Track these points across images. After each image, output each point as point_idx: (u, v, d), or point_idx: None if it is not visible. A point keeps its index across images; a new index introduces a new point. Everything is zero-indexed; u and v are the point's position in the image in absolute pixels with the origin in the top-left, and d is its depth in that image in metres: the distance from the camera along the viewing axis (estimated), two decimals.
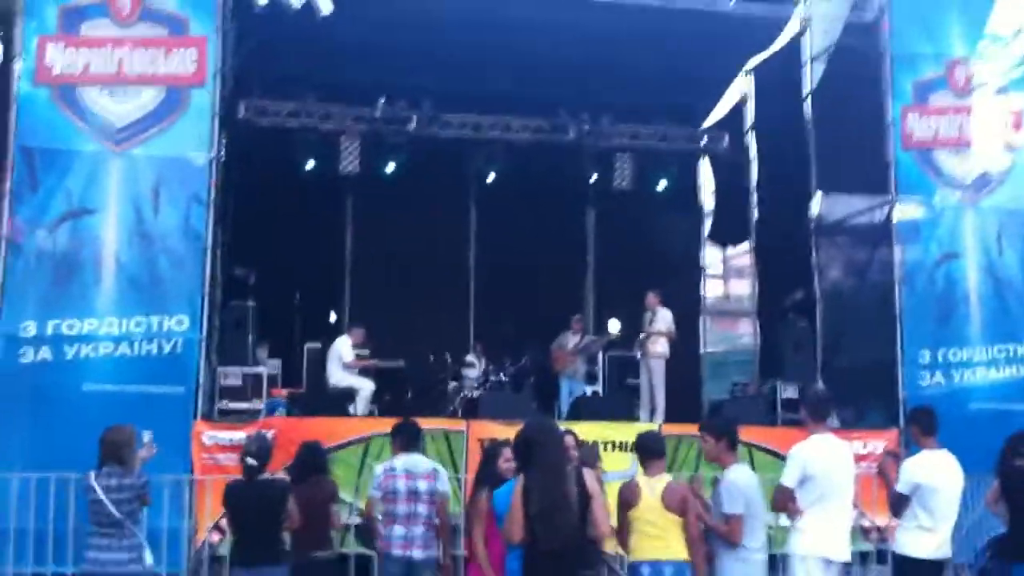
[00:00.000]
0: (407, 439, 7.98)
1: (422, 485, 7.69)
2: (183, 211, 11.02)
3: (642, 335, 13.81)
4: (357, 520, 9.57)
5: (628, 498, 6.73)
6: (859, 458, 10.16)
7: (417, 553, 7.61)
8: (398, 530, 7.63)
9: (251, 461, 7.44)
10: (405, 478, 7.69)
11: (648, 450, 6.94)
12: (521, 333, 15.44)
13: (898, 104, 12.88)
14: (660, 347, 13.63)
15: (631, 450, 10.99)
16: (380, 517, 7.75)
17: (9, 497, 9.69)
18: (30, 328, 10.49)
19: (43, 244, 10.73)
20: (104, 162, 11.01)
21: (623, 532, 6.78)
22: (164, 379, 10.56)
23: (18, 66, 11.16)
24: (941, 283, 12.63)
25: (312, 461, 8.13)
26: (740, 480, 6.86)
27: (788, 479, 7.02)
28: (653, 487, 6.69)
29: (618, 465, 10.09)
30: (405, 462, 7.79)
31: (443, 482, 7.87)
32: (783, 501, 7.04)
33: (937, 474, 7.43)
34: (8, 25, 11.55)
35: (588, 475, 6.21)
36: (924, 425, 7.72)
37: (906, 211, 12.82)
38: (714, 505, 6.91)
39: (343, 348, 13.22)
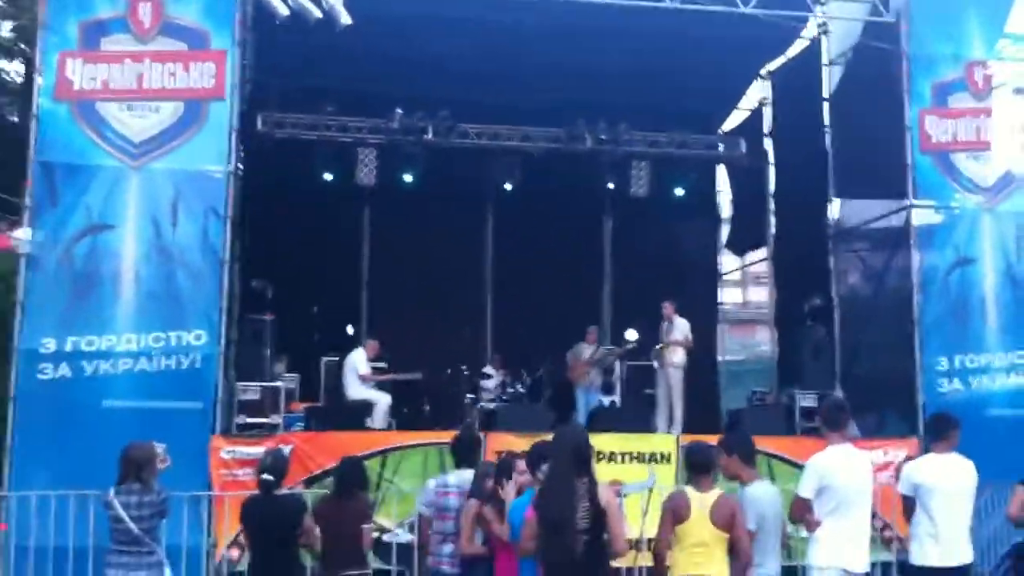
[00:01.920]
0: (462, 453, 7.85)
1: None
2: (201, 225, 11.07)
3: (659, 345, 13.77)
4: (376, 535, 9.54)
5: (677, 512, 6.60)
6: (879, 467, 10.12)
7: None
8: (448, 548, 7.46)
9: (267, 476, 7.39)
10: (458, 495, 7.52)
11: (697, 465, 6.84)
12: (538, 344, 15.40)
13: (916, 107, 12.82)
14: (678, 357, 13.57)
15: (648, 461, 11.07)
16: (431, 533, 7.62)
17: (29, 515, 9.72)
18: (50, 345, 10.55)
19: (62, 260, 10.78)
20: (123, 177, 11.07)
21: (663, 543, 6.65)
22: (183, 394, 10.60)
23: (39, 82, 11.24)
24: (958, 288, 12.56)
25: (352, 476, 7.99)
26: (754, 497, 6.82)
27: (805, 490, 6.98)
28: (704, 502, 6.59)
29: (636, 476, 10.05)
30: (459, 477, 7.62)
31: None
32: (800, 512, 7.00)
33: (938, 475, 7.35)
34: (29, 42, 11.63)
35: (602, 489, 6.16)
36: (934, 430, 7.69)
37: (924, 215, 12.74)
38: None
39: (358, 361, 13.23)
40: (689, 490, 6.60)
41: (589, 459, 6.30)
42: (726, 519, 6.47)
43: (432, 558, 7.63)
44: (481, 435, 10.02)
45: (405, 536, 10.03)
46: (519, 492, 7.00)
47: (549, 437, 6.57)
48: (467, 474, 7.63)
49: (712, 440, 10.92)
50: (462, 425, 8.51)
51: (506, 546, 6.88)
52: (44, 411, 10.38)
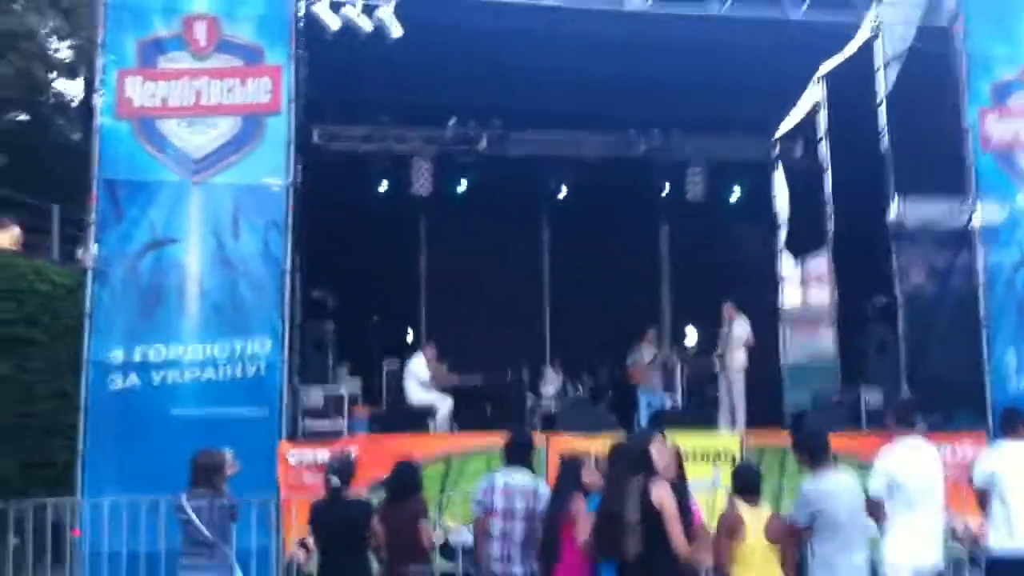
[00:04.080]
0: (511, 452, 7.74)
1: (519, 503, 7.37)
2: (262, 237, 11.18)
3: (718, 351, 13.71)
4: (443, 537, 9.57)
5: (732, 530, 6.66)
6: (948, 463, 9.99)
7: (516, 569, 7.30)
8: (495, 549, 7.37)
9: (335, 480, 7.46)
10: (503, 494, 7.43)
11: (746, 486, 6.88)
12: (597, 347, 15.41)
13: (975, 106, 12.71)
14: (739, 360, 13.54)
15: (713, 460, 11.00)
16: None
17: (102, 521, 9.90)
18: (118, 355, 10.70)
19: (128, 274, 10.94)
20: (184, 192, 11.21)
21: (722, 558, 6.69)
22: (249, 401, 10.70)
23: (99, 100, 11.43)
24: (1023, 286, 12.41)
25: (408, 480, 8.02)
26: (811, 490, 6.76)
27: (875, 488, 6.95)
28: (757, 520, 6.63)
29: (700, 474, 10.01)
30: (506, 477, 7.53)
31: (542, 502, 7.37)
32: (871, 510, 6.94)
33: (1009, 463, 7.28)
34: (88, 61, 11.85)
35: (657, 488, 6.15)
36: (1003, 424, 7.64)
37: (987, 214, 12.62)
38: None
39: (418, 367, 13.32)
40: (742, 507, 6.64)
41: (647, 460, 6.34)
42: (777, 534, 6.63)
43: (482, 560, 7.56)
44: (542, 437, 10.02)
45: (470, 538, 10.04)
46: (586, 492, 7.02)
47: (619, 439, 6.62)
48: (517, 474, 7.54)
49: (776, 438, 10.92)
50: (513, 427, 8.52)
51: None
52: (114, 420, 10.53)
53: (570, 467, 7.43)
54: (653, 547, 6.13)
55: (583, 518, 6.84)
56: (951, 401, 12.33)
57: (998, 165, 12.72)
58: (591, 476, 7.14)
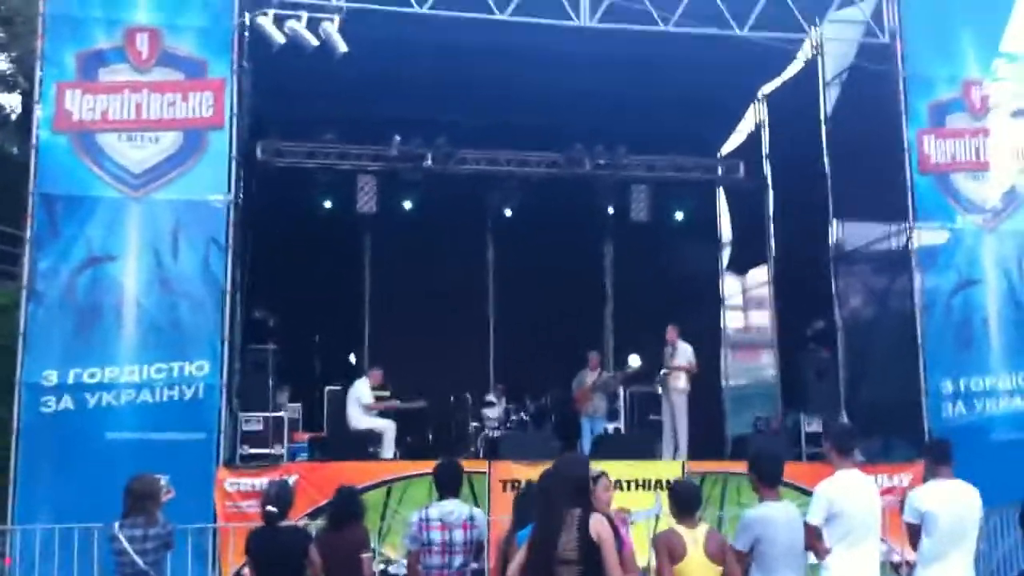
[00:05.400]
0: (443, 483, 7.57)
1: (458, 535, 7.20)
2: (202, 255, 11.06)
3: (662, 371, 13.74)
4: (382, 567, 9.46)
5: (672, 551, 6.60)
6: (884, 491, 10.07)
7: None
8: None
9: (271, 508, 7.31)
10: (440, 528, 7.25)
11: (683, 503, 6.86)
12: (541, 371, 15.36)
13: (914, 127, 12.82)
14: (681, 383, 13.53)
15: (654, 487, 11.00)
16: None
17: (33, 548, 9.70)
18: (52, 377, 10.51)
19: (64, 292, 10.74)
20: (124, 208, 11.06)
21: None
22: (186, 425, 10.56)
23: (38, 113, 11.22)
24: (961, 310, 12.54)
25: (348, 507, 7.85)
26: (753, 516, 6.78)
27: (814, 517, 6.94)
28: (696, 539, 6.60)
29: (642, 503, 9.99)
30: (440, 510, 7.35)
31: (481, 530, 7.29)
32: (810, 540, 6.95)
33: (943, 502, 7.29)
34: (27, 73, 11.62)
35: (595, 521, 6.09)
36: (936, 456, 7.62)
37: (925, 237, 12.70)
38: None
39: (362, 390, 13.17)
40: (680, 528, 6.62)
41: (585, 490, 6.27)
42: (718, 552, 6.53)
43: None
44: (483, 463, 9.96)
45: None
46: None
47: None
48: (450, 505, 7.40)
49: (718, 465, 10.93)
50: (443, 456, 8.40)
51: None
52: (47, 444, 10.33)
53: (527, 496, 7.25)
54: None
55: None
56: (889, 427, 12.43)
57: (936, 187, 12.82)
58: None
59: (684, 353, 13.62)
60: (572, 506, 6.11)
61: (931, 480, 7.42)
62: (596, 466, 7.18)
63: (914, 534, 7.34)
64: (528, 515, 6.84)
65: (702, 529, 6.61)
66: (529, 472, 8.32)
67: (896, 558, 10.56)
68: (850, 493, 6.98)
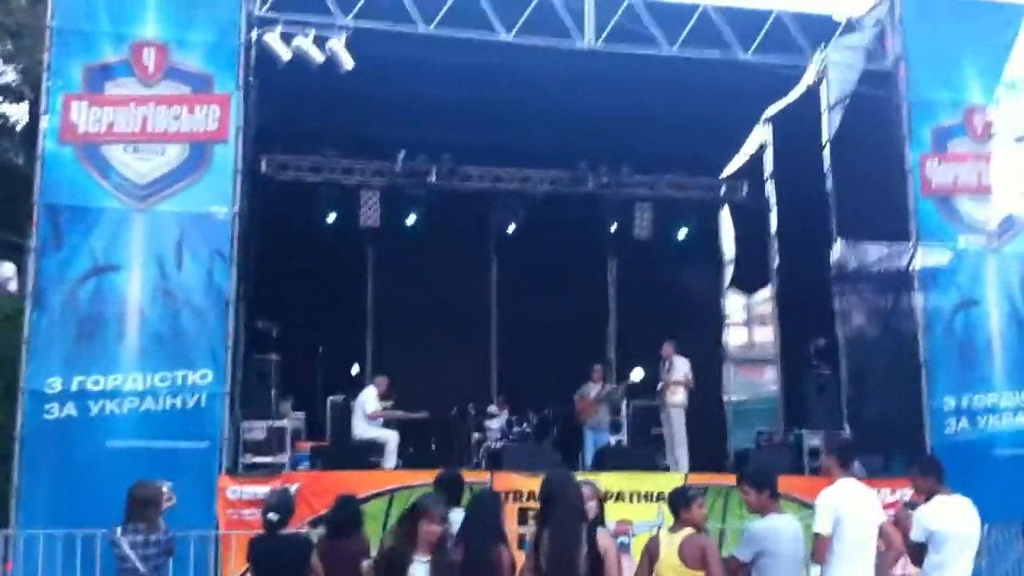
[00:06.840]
0: (447, 494, 7.57)
1: None
2: (206, 266, 11.10)
3: (660, 385, 13.80)
4: None
5: (651, 553, 6.71)
6: (887, 505, 10.05)
7: None
8: None
9: (271, 516, 7.33)
10: None
11: (672, 508, 6.93)
12: (544, 384, 15.38)
13: (917, 151, 12.94)
14: (678, 397, 13.60)
15: (656, 500, 11.01)
16: None
17: (36, 554, 9.65)
18: (55, 385, 10.52)
19: (68, 301, 10.77)
20: (128, 219, 11.10)
21: None
22: (189, 434, 10.58)
23: (44, 124, 11.29)
24: (963, 329, 12.62)
25: (347, 515, 7.90)
26: (760, 529, 6.81)
27: (823, 526, 6.94)
28: (672, 541, 6.65)
29: (645, 516, 10.01)
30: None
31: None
32: (821, 550, 6.95)
33: (949, 520, 7.29)
34: (34, 85, 11.69)
35: (601, 535, 6.15)
36: (936, 472, 7.61)
37: (927, 257, 12.81)
38: None
39: (368, 399, 13.17)
40: (662, 533, 6.68)
41: (583, 505, 6.35)
42: (695, 558, 6.55)
43: None
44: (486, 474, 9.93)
45: None
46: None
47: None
48: (451, 516, 7.20)
49: (720, 478, 10.94)
50: (445, 467, 8.38)
51: None
52: (50, 451, 10.34)
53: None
54: None
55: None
56: (891, 443, 12.46)
57: (938, 210, 12.94)
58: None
59: (680, 368, 13.70)
60: (582, 519, 6.18)
61: (936, 497, 7.44)
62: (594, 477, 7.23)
63: (919, 552, 7.35)
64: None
65: (681, 534, 6.67)
66: (531, 483, 8.33)
67: (898, 571, 10.55)
68: (851, 500, 7.02)
